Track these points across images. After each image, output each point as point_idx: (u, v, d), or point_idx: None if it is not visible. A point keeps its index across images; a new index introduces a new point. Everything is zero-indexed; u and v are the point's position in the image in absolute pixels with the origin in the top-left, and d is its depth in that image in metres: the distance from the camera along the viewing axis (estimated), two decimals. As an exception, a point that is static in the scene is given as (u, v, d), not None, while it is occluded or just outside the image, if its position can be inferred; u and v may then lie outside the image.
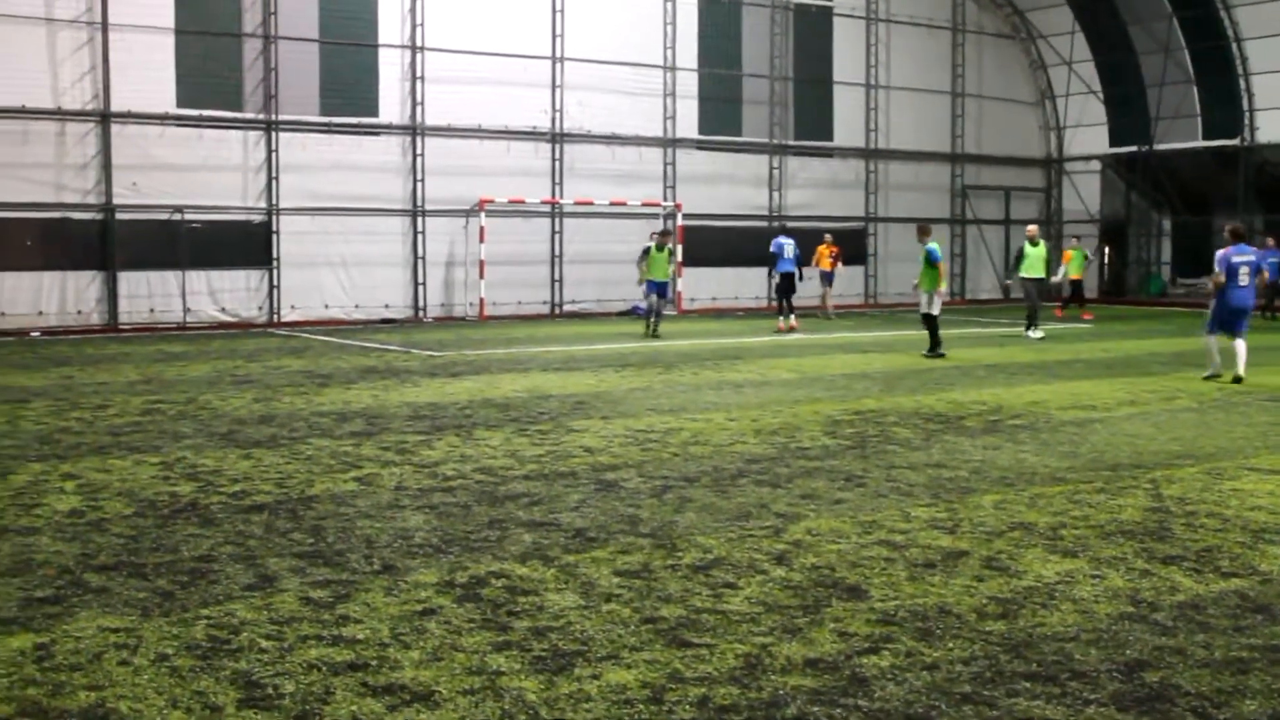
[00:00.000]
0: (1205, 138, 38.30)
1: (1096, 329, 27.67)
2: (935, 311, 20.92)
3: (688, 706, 5.12)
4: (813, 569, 7.21)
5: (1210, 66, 37.63)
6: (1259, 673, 5.51)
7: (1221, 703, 5.17)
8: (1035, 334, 25.21)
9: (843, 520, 8.48)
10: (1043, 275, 26.33)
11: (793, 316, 27.07)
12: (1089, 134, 41.23)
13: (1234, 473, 10.31)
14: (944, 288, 21.30)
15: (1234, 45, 36.74)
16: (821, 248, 32.43)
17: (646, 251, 26.70)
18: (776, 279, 27.87)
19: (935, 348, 20.75)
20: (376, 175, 30.31)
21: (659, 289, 25.87)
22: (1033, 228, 27.21)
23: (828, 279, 32.47)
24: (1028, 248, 26.19)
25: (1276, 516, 8.65)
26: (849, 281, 38.10)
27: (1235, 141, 37.29)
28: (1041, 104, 42.29)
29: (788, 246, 27.73)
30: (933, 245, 20.95)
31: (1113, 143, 40.70)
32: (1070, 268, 32.58)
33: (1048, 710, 5.08)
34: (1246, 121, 37.00)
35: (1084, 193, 41.45)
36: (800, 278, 27.90)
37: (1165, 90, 38.48)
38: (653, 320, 25.70)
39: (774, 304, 29.14)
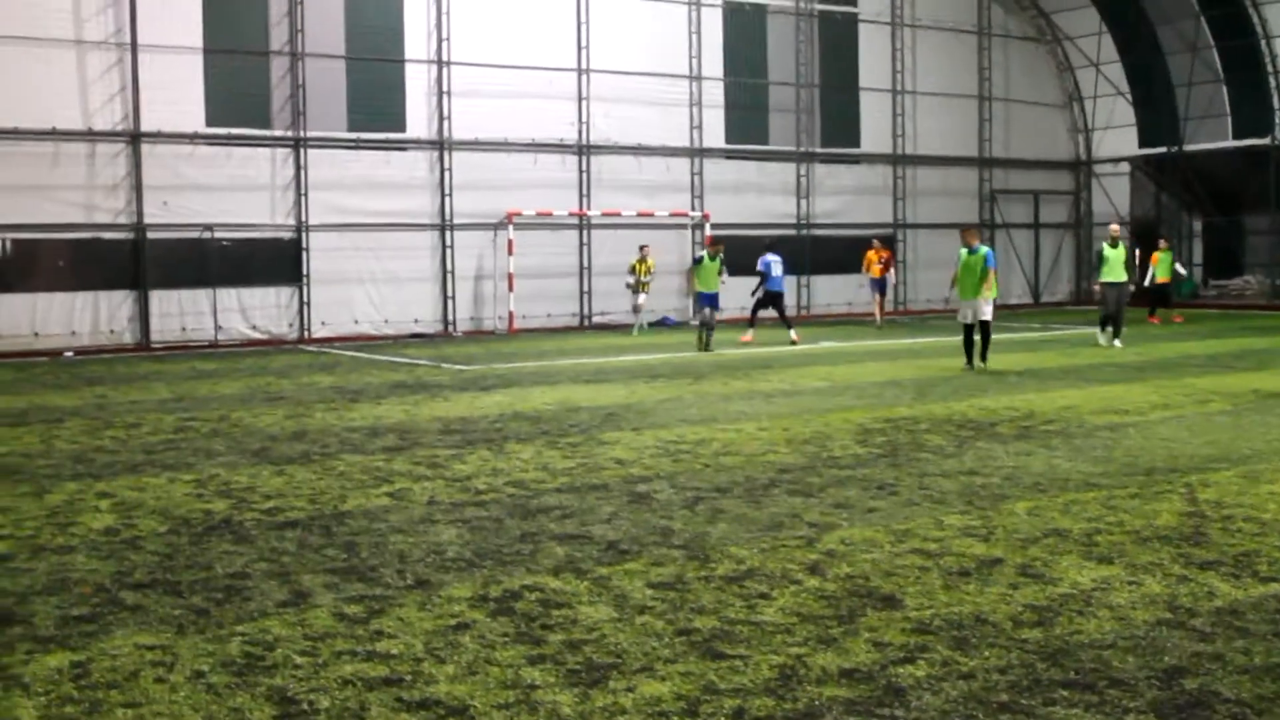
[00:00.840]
0: (1235, 137, 38.03)
1: (1129, 332, 27.46)
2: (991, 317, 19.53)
3: (723, 718, 5.10)
4: (846, 578, 7.18)
5: (1239, 65, 37.38)
6: (1300, 678, 5.46)
7: (1263, 709, 5.12)
8: (1107, 340, 23.67)
9: (876, 529, 8.45)
10: (1123, 279, 23.74)
11: (793, 331, 26.34)
12: (1118, 136, 41.02)
13: (1271, 475, 10.22)
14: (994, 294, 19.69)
15: (1263, 43, 36.47)
16: (870, 253, 31.72)
17: (698, 261, 25.59)
18: (760, 293, 27.28)
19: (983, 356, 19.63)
20: (404, 190, 30.43)
21: (710, 301, 24.90)
22: (1115, 227, 24.98)
23: (879, 286, 31.74)
24: (1106, 249, 23.88)
25: (1315, 519, 8.57)
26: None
27: (1266, 141, 37.00)
28: (1069, 106, 42.10)
29: (775, 264, 27.14)
30: (989, 249, 19.68)
31: (1142, 144, 40.47)
32: (1158, 270, 31.56)
33: (1086, 719, 5.04)
34: (1277, 120, 36.70)
35: (1113, 195, 41.21)
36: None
37: (1194, 90, 38.25)
38: (705, 334, 24.56)
39: (750, 315, 28.05)
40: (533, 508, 9.32)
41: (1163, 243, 32.68)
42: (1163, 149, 39.61)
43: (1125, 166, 41.16)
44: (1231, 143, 38.11)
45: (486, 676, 5.61)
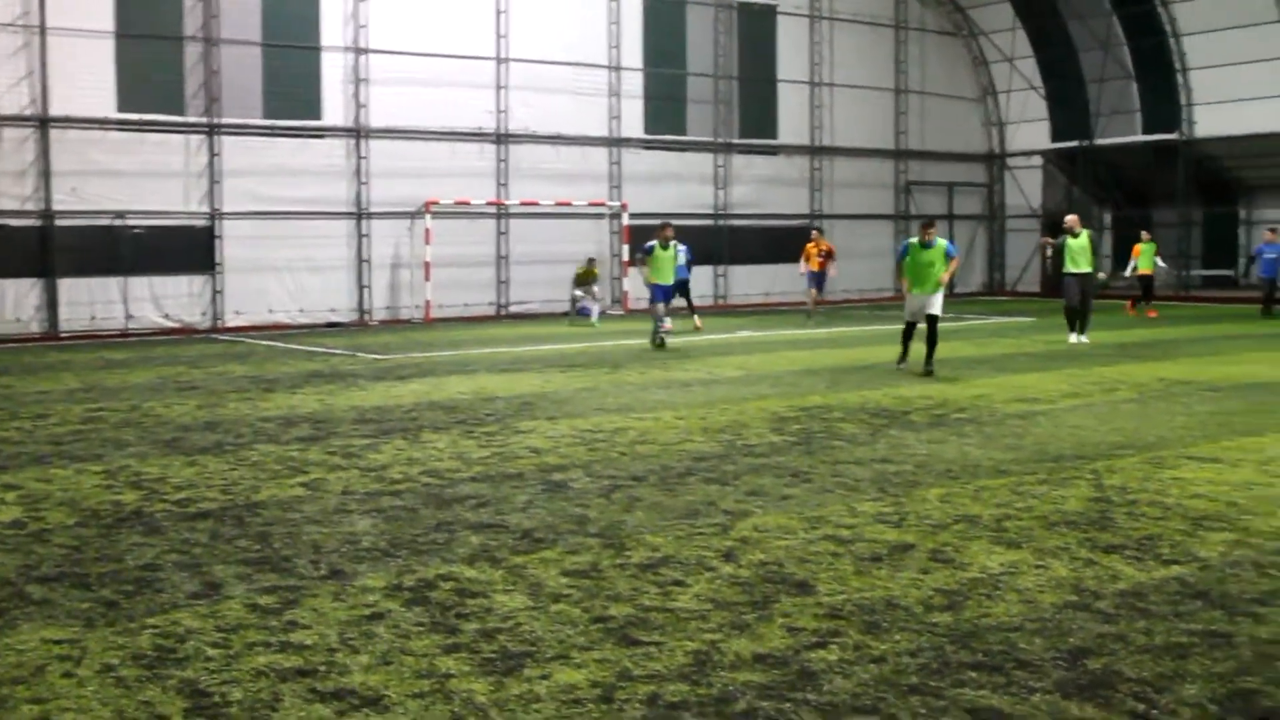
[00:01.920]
0: (1145, 132, 38.80)
1: (1039, 323, 27.92)
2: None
3: (638, 704, 5.13)
4: (760, 565, 7.24)
5: (1149, 62, 38.12)
6: (1199, 657, 5.60)
7: (1163, 688, 5.25)
8: (1076, 338, 22.36)
9: (790, 516, 8.53)
10: (1087, 270, 22.51)
11: (696, 317, 26.07)
12: (1031, 129, 41.67)
13: (1174, 462, 10.46)
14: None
15: (1172, 41, 37.21)
16: (809, 246, 30.36)
17: (649, 251, 23.19)
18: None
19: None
20: (320, 178, 30.11)
21: (664, 294, 22.87)
22: (1072, 218, 23.44)
23: (816, 280, 30.14)
24: (1069, 241, 22.55)
25: (1215, 504, 8.78)
26: (792, 279, 38.32)
27: (1174, 136, 37.77)
28: (984, 100, 42.66)
29: (680, 254, 25.86)
30: (948, 241, 18.81)
31: (1054, 138, 41.14)
32: (1140, 261, 30.97)
33: (994, 699, 5.14)
34: (1185, 116, 37.48)
35: (1026, 187, 41.89)
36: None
37: (1105, 86, 38.95)
38: (659, 329, 22.58)
39: (689, 304, 27.62)
40: (448, 497, 9.29)
41: (1145, 234, 31.94)
42: (1074, 143, 40.29)
43: (1038, 160, 41.82)
44: (1141, 137, 38.88)
45: (401, 666, 5.60)
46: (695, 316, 26.31)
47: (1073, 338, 22.24)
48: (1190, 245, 38.79)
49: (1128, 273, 31.67)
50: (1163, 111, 38.03)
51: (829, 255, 30.21)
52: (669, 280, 23.01)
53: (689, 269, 26.98)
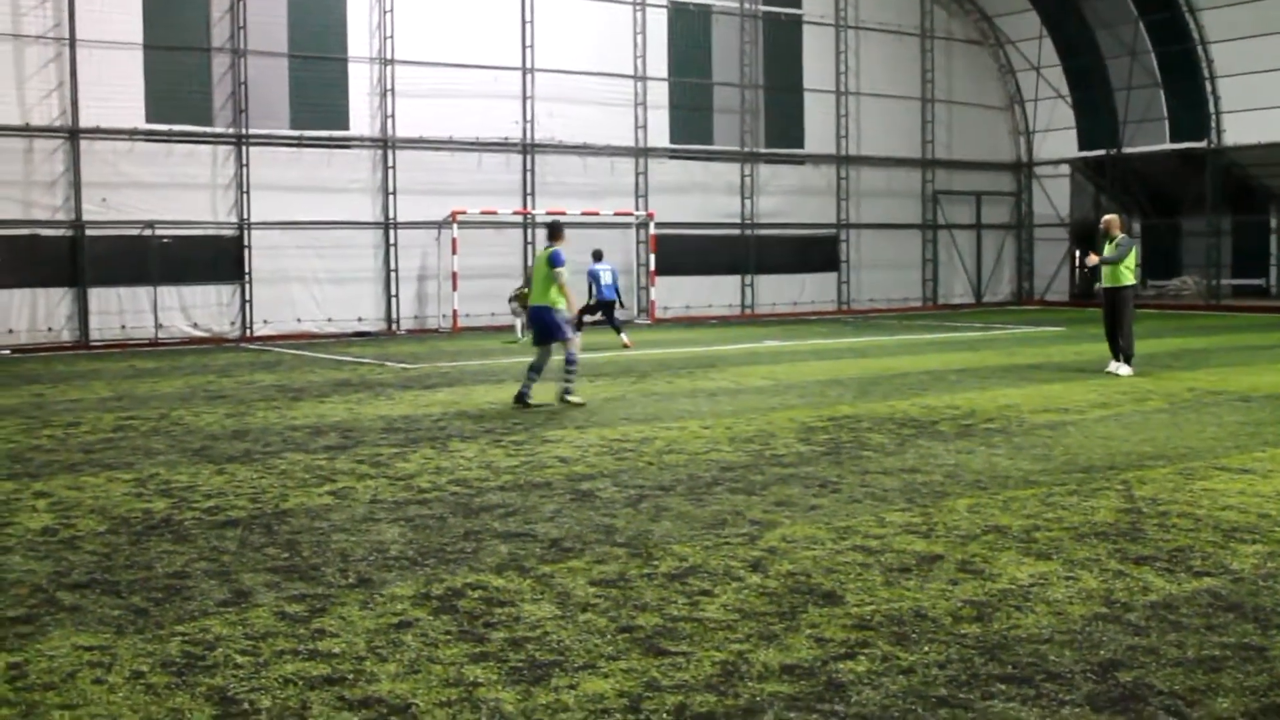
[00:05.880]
0: (1173, 140, 38.63)
1: (1068, 332, 27.80)
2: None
3: (665, 715, 5.12)
4: (788, 575, 7.22)
5: (1177, 70, 37.96)
6: (1231, 671, 5.55)
7: (1194, 701, 5.21)
8: (1116, 366, 18.56)
9: (818, 526, 8.50)
10: (1122, 283, 18.42)
11: (624, 335, 25.18)
12: (1058, 138, 41.53)
13: (1205, 473, 10.38)
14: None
15: (1200, 48, 37.04)
16: None
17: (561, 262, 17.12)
18: (592, 302, 25.51)
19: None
20: (348, 189, 30.28)
21: (538, 320, 15.68)
22: (1110, 218, 19.25)
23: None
24: (1106, 249, 18.64)
25: (1247, 516, 8.71)
26: (822, 288, 38.32)
27: (1202, 144, 37.59)
28: (1010, 109, 42.55)
29: (604, 273, 25.75)
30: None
31: (1081, 146, 40.99)
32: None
33: (1023, 712, 5.10)
34: (1213, 124, 37.30)
35: (1054, 196, 41.75)
36: (621, 304, 26.53)
37: (1132, 94, 38.79)
38: (529, 381, 15.59)
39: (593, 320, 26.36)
40: (476, 506, 9.30)
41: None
42: (1102, 151, 40.14)
43: (1065, 168, 41.68)
44: (1169, 145, 38.70)
45: (429, 675, 5.60)
46: (623, 335, 25.18)
47: (1111, 365, 18.55)
48: (1219, 254, 38.56)
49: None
50: (1191, 119, 37.86)
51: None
52: (546, 300, 15.75)
53: (614, 290, 26.00)
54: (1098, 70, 39.77)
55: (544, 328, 15.47)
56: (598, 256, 26.40)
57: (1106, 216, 19.30)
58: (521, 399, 15.34)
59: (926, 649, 5.89)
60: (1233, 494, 9.47)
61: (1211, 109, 37.26)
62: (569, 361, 15.48)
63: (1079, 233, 41.47)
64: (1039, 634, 6.09)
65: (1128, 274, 18.38)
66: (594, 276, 25.84)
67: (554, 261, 15.37)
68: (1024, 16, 40.47)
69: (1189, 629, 6.15)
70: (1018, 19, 40.73)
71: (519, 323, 26.75)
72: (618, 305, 26.23)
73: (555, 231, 16.06)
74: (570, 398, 15.45)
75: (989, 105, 42.09)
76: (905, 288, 40.32)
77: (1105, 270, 18.46)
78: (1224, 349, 22.99)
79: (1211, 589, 6.87)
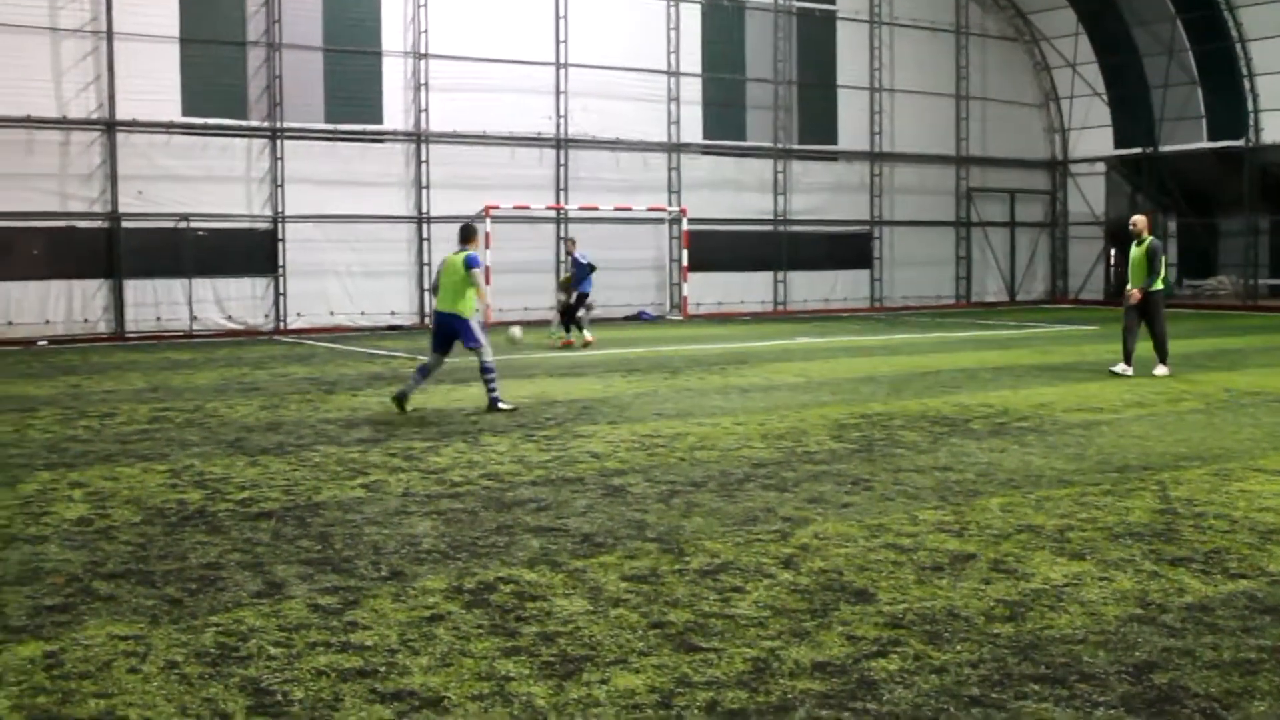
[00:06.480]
0: (1210, 139, 38.29)
1: (1102, 331, 27.61)
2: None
3: (696, 711, 5.12)
4: (820, 573, 7.21)
5: (1214, 68, 37.62)
6: (1268, 674, 5.50)
7: (1230, 704, 5.16)
8: (1125, 370, 18.04)
9: (850, 524, 8.48)
10: (1148, 287, 17.81)
11: (587, 332, 24.43)
12: (1094, 136, 41.25)
13: (1241, 474, 10.29)
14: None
15: (1238, 46, 36.71)
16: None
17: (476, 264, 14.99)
18: (574, 297, 24.52)
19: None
20: (381, 183, 30.39)
21: (446, 327, 14.66)
22: (1138, 219, 18.60)
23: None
24: (1131, 249, 18.21)
25: (1284, 517, 8.63)
26: (854, 285, 38.22)
27: (1240, 143, 37.26)
28: (1046, 106, 42.29)
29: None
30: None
31: (1117, 144, 40.69)
32: None
33: (1056, 713, 5.08)
34: (1251, 123, 36.96)
35: (1089, 195, 41.47)
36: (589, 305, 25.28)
37: (1169, 92, 38.48)
38: (413, 383, 14.85)
39: (569, 319, 24.95)
40: (508, 500, 9.32)
41: None
42: (1138, 150, 39.83)
43: (1101, 166, 41.39)
44: (1206, 144, 38.36)
45: (461, 668, 5.62)
46: (585, 331, 24.39)
47: (1118, 366, 18.09)
48: (1257, 254, 38.23)
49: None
50: (1228, 118, 37.52)
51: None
52: (450, 308, 14.58)
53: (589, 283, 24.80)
54: (1134, 68, 39.47)
55: (450, 335, 14.56)
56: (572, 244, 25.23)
57: (1135, 217, 18.73)
58: (400, 400, 14.47)
59: (959, 648, 5.86)
60: (1270, 496, 9.38)
61: (1250, 107, 36.91)
62: (485, 370, 14.58)
63: (1114, 231, 41.17)
64: (1073, 634, 6.05)
65: (1157, 278, 17.96)
66: (586, 267, 24.55)
67: (471, 264, 14.45)
68: (1060, 13, 40.19)
69: (1225, 631, 6.10)
70: (1053, 15, 40.46)
71: (555, 317, 26.77)
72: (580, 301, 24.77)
73: (468, 234, 15.03)
74: (501, 405, 14.52)
75: (1024, 102, 41.86)
76: (938, 285, 40.16)
77: (1134, 274, 17.98)
78: (1261, 349, 22.80)
79: (1248, 591, 6.81)
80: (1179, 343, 21.56)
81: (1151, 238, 18.25)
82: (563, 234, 32.65)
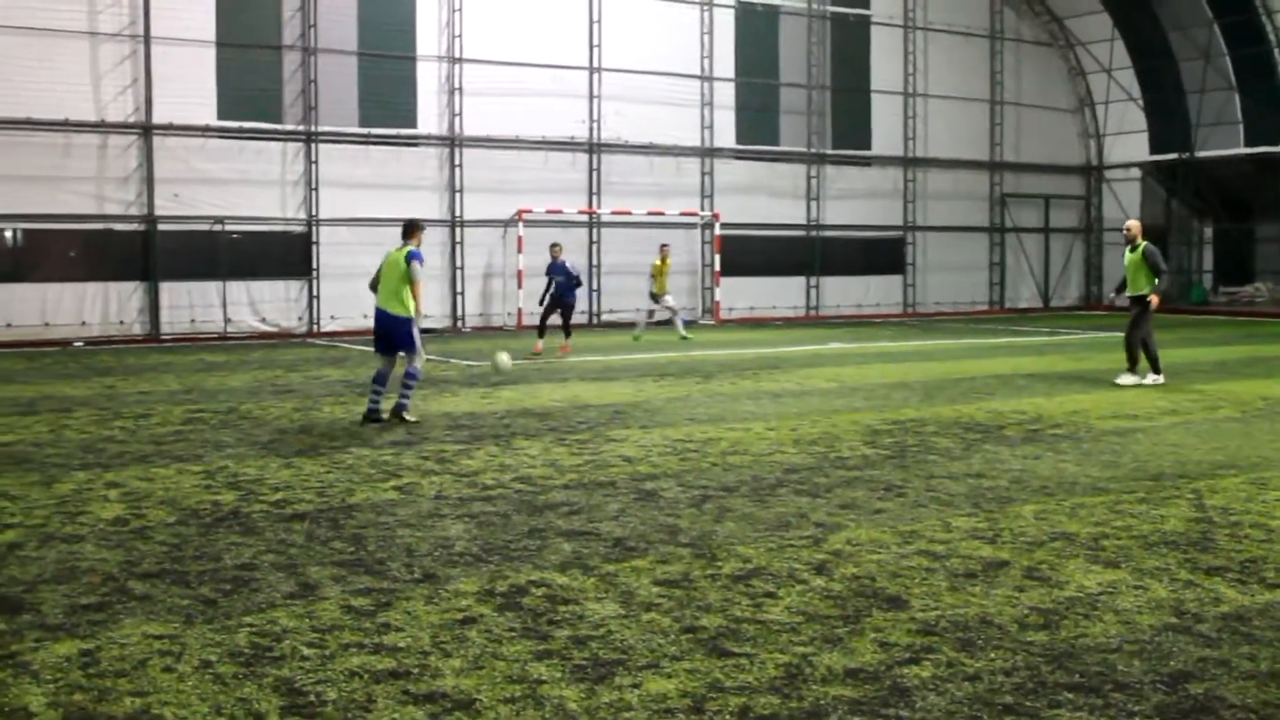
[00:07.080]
0: (1247, 145, 37.98)
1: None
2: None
3: (728, 716, 5.11)
4: (853, 579, 7.19)
5: (1252, 73, 37.34)
6: (1305, 685, 5.46)
7: (1268, 715, 5.12)
8: (1129, 377, 17.68)
9: (883, 530, 8.45)
10: (1138, 291, 17.83)
11: (570, 339, 23.87)
12: (1129, 141, 40.99)
13: (1278, 483, 10.20)
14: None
15: (1276, 51, 36.40)
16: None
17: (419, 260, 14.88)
18: (561, 310, 23.58)
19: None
20: (415, 186, 30.50)
21: (394, 330, 14.40)
22: (1131, 224, 18.39)
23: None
24: (1126, 254, 18.09)
25: (1322, 527, 8.56)
26: (887, 291, 38.11)
27: (1277, 148, 36.93)
28: (1081, 111, 42.07)
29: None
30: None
31: (1153, 150, 40.42)
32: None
33: (1091, 721, 5.05)
34: (1290, 128, 36.66)
35: (1124, 200, 41.20)
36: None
37: (1206, 97, 38.21)
38: (375, 395, 14.37)
39: (557, 321, 23.98)
40: (540, 504, 9.33)
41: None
42: (1174, 155, 39.56)
43: (1136, 172, 41.13)
44: (1243, 150, 38.06)
45: (493, 671, 5.63)
46: (569, 338, 23.96)
47: (1122, 378, 17.65)
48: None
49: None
50: (1266, 123, 37.21)
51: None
52: (386, 305, 14.55)
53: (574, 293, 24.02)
54: (1170, 73, 39.20)
55: (396, 339, 14.17)
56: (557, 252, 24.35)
57: (1129, 222, 18.49)
58: (372, 416, 13.89)
59: (992, 655, 5.83)
60: (1307, 505, 9.30)
61: (1288, 112, 36.62)
62: (410, 375, 14.09)
63: (1150, 237, 40.78)
64: (1107, 643, 6.01)
65: (1165, 279, 17.94)
66: (575, 276, 23.74)
67: (414, 258, 14.12)
68: (1095, 18, 39.98)
69: (1262, 641, 6.05)
70: (1089, 20, 40.25)
71: (642, 319, 26.69)
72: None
73: (411, 229, 14.60)
74: (406, 415, 13.88)
75: (1058, 108, 41.64)
76: (971, 291, 40.00)
77: (1132, 279, 17.84)
78: (1298, 357, 22.59)
79: (1285, 601, 6.76)
80: (1214, 350, 21.43)
81: (1145, 242, 17.98)
82: (594, 238, 32.73)
